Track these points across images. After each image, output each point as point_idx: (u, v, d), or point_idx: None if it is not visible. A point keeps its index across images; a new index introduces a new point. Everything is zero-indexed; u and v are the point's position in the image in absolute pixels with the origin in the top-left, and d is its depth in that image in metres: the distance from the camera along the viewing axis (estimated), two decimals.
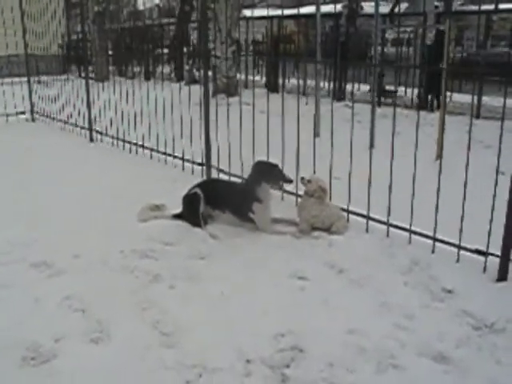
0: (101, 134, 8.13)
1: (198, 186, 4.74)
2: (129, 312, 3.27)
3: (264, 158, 4.74)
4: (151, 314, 3.23)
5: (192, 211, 4.55)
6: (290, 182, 4.55)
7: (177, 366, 2.77)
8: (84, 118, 8.50)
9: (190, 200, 4.62)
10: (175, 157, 6.59)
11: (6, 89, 9.57)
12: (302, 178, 4.53)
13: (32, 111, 10.10)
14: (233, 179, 5.47)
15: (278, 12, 15.27)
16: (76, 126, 8.85)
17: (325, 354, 2.84)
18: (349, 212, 4.60)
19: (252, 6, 10.37)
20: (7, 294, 3.51)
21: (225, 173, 5.74)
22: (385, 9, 14.24)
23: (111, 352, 2.91)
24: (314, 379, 2.66)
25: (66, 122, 9.13)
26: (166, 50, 18.31)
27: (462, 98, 11.17)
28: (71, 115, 9.00)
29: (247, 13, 16.52)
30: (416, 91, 11.69)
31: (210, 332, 3.05)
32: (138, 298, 3.43)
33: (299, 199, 4.78)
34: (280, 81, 14.05)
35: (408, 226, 4.19)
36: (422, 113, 8.70)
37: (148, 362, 2.82)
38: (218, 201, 4.64)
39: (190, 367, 2.75)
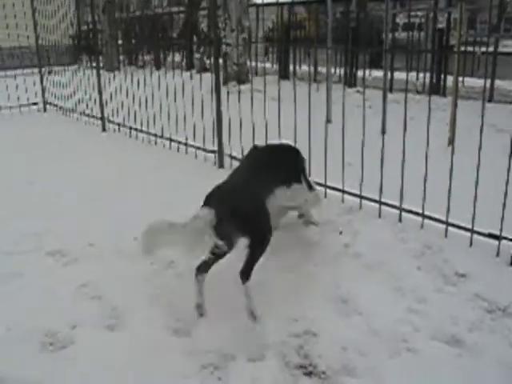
0: (113, 123, 8.15)
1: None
2: (144, 298, 3.31)
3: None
4: (166, 301, 3.27)
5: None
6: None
7: (192, 351, 2.81)
8: (94, 107, 8.53)
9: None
10: (186, 144, 6.60)
11: (18, 80, 9.59)
12: None
13: (44, 102, 10.16)
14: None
15: None
16: (88, 115, 8.89)
17: (338, 338, 2.86)
18: (361, 197, 4.60)
19: None
20: (24, 282, 3.56)
21: (237, 160, 5.74)
22: None
23: (126, 338, 2.95)
24: (327, 363, 2.68)
25: (79, 113, 9.16)
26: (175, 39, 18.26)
27: (475, 83, 11.03)
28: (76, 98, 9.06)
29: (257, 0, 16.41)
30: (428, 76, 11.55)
31: (224, 318, 3.08)
32: (152, 284, 3.47)
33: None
34: (291, 67, 13.96)
35: (420, 211, 4.18)
36: (434, 98, 8.61)
37: (163, 348, 2.85)
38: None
39: (205, 353, 2.79)
